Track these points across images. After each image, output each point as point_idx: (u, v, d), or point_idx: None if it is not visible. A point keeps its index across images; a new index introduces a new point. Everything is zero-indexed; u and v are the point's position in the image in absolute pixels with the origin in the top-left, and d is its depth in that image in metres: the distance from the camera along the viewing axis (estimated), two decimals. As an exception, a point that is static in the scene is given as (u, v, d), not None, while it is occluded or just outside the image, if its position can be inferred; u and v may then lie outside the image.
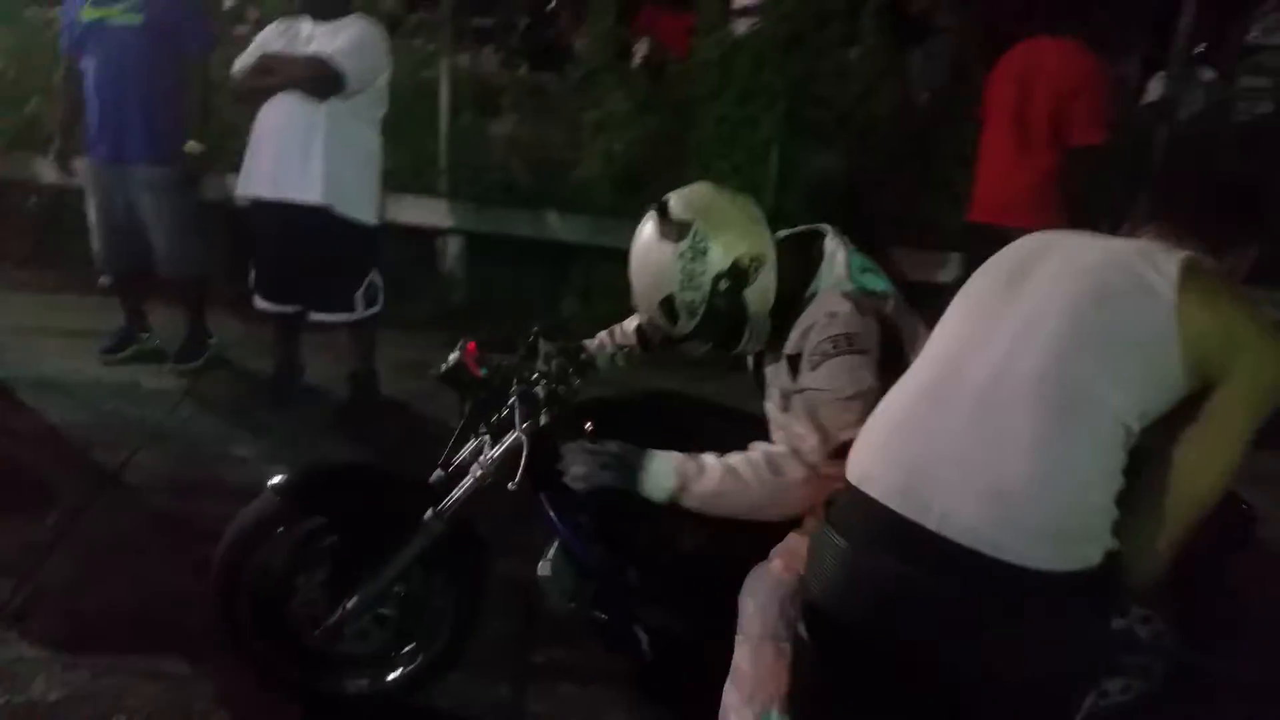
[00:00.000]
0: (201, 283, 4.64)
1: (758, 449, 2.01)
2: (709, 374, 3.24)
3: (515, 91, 6.32)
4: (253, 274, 4.24)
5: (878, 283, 2.13)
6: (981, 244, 2.11)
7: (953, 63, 6.15)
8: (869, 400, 1.91)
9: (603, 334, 2.63)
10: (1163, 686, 2.54)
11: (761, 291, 2.07)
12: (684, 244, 2.02)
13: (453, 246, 6.16)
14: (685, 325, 2.09)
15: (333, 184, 3.97)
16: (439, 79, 5.92)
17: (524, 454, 2.14)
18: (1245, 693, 2.67)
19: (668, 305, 2.06)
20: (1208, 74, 6.25)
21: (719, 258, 2.02)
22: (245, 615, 2.41)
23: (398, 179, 5.39)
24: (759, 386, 2.31)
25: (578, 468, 2.06)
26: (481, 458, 2.29)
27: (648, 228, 2.09)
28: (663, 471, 2.01)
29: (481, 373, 2.37)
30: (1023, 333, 1.65)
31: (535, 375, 2.31)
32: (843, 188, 5.64)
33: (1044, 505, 1.55)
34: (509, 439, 2.24)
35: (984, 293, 1.79)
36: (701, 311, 2.05)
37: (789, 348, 2.10)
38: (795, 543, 2.13)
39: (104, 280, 4.70)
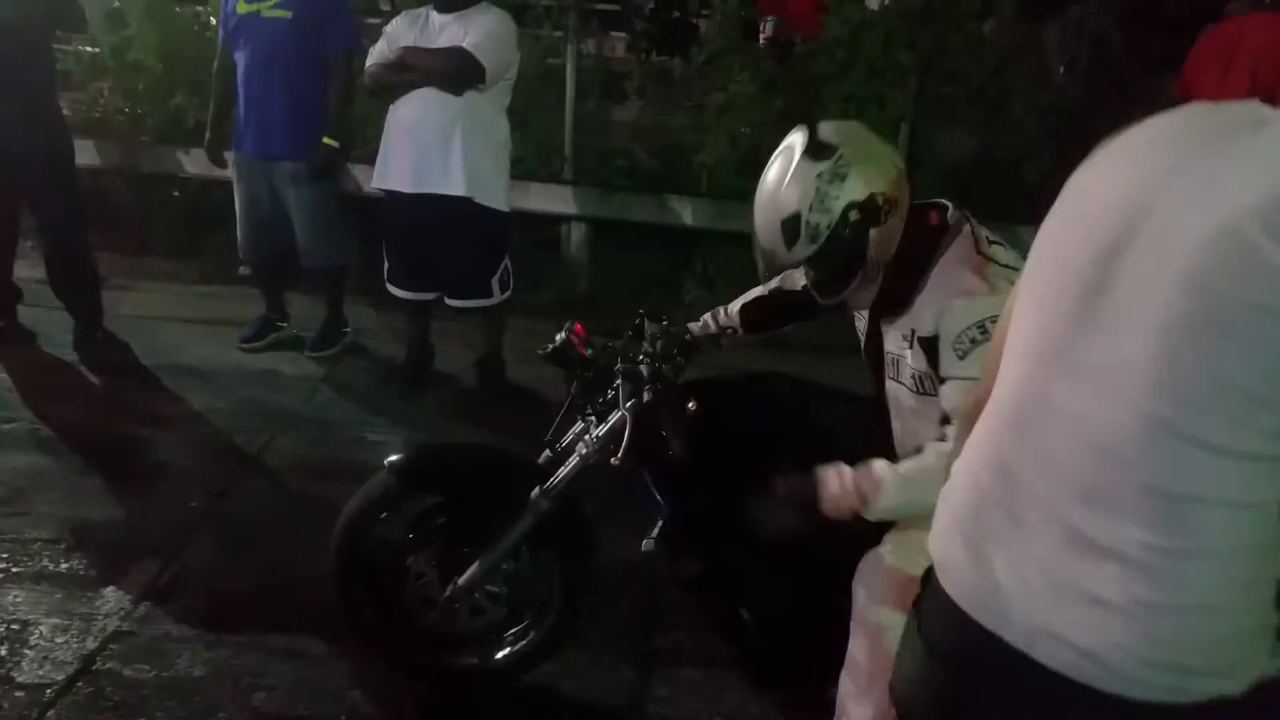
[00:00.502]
0: (340, 273, 4.80)
1: (929, 451, 1.89)
2: (812, 358, 3.17)
3: (640, 76, 6.31)
4: (387, 264, 4.37)
5: (1007, 256, 2.02)
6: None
7: (1093, 36, 5.86)
8: None
9: (706, 316, 2.59)
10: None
11: (888, 236, 1.99)
12: (825, 164, 1.95)
13: (576, 233, 6.20)
14: (803, 249, 1.98)
15: (473, 176, 4.05)
16: (564, 66, 5.98)
17: (627, 432, 2.13)
18: None
19: (791, 225, 1.96)
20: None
21: (857, 187, 1.95)
22: (362, 593, 2.49)
23: (523, 166, 5.48)
24: (870, 359, 2.21)
25: (765, 527, 2.00)
26: (586, 437, 2.30)
27: (790, 145, 2.02)
28: (838, 493, 1.91)
29: (587, 353, 2.37)
30: (1104, 386, 1.13)
31: (640, 355, 2.30)
32: (976, 166, 5.44)
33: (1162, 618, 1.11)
34: (613, 417, 2.24)
35: (1053, 308, 1.20)
36: (824, 237, 1.95)
37: (924, 328, 2.00)
38: (907, 528, 2.06)
39: (244, 270, 4.94)
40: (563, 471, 2.31)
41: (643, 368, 2.23)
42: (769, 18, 6.22)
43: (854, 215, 1.95)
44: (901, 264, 2.03)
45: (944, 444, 1.86)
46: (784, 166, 2.00)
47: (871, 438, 2.19)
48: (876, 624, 2.00)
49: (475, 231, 4.15)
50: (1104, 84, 5.54)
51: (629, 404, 2.17)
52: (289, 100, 4.31)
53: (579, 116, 6.06)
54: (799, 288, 2.47)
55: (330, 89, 4.35)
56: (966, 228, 2.04)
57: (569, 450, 2.37)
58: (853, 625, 2.06)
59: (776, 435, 2.21)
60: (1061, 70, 5.82)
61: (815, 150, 1.97)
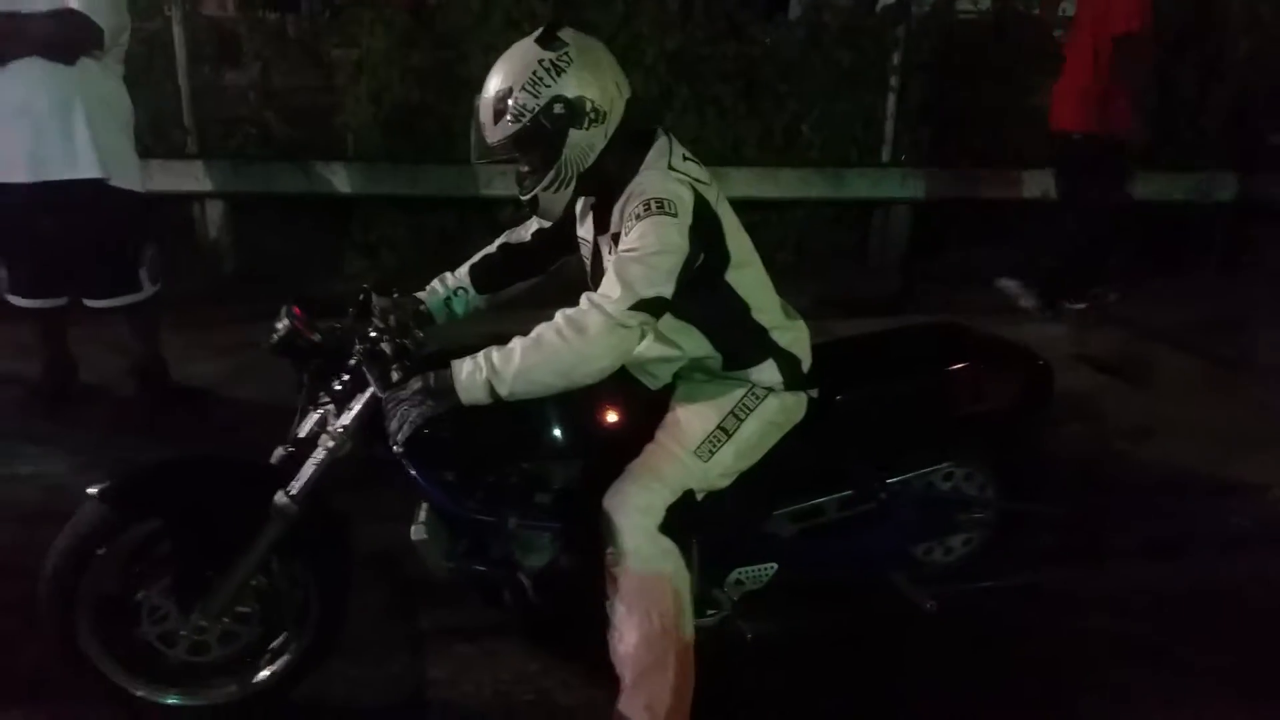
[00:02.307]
0: None
1: (558, 314, 2.01)
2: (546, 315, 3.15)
3: (256, 36, 5.81)
4: (5, 271, 3.76)
5: (700, 172, 2.15)
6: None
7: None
8: (676, 260, 1.98)
9: (434, 281, 2.49)
10: (994, 534, 2.78)
11: (585, 143, 2.05)
12: (549, 54, 2.00)
13: (213, 212, 5.70)
14: (505, 128, 2.03)
15: (105, 155, 3.57)
16: (169, 29, 5.38)
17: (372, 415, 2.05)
18: (1060, 528, 2.97)
19: (501, 101, 2.01)
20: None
21: (569, 85, 2.00)
22: (89, 641, 2.15)
23: (140, 143, 4.88)
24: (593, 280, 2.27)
25: (396, 423, 1.99)
26: (330, 427, 2.13)
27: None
28: (468, 371, 1.98)
29: (315, 338, 2.18)
30: None
31: (374, 333, 2.15)
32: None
33: None
34: (358, 403, 2.10)
35: None
36: (525, 121, 2.01)
37: (613, 227, 2.11)
38: (650, 456, 2.20)
39: None
40: (308, 469, 2.12)
41: (385, 345, 2.09)
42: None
43: (559, 108, 2.01)
44: (608, 177, 2.12)
45: (576, 307, 2.00)
46: (514, 47, 2.07)
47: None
48: (629, 547, 2.11)
49: (113, 219, 3.67)
50: (722, 26, 5.90)
51: (378, 385, 2.03)
52: None
53: (196, 83, 5.52)
54: (527, 239, 2.46)
55: None
56: (663, 143, 2.15)
57: (309, 445, 2.18)
58: (607, 553, 2.14)
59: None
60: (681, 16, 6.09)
61: (545, 40, 2.03)
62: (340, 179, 5.62)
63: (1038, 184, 6.10)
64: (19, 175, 3.51)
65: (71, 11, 3.39)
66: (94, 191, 3.58)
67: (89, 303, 3.81)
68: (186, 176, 5.50)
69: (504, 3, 5.46)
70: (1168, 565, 3.15)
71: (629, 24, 5.69)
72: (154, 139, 5.33)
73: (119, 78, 3.74)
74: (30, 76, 3.44)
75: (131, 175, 3.76)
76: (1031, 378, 2.70)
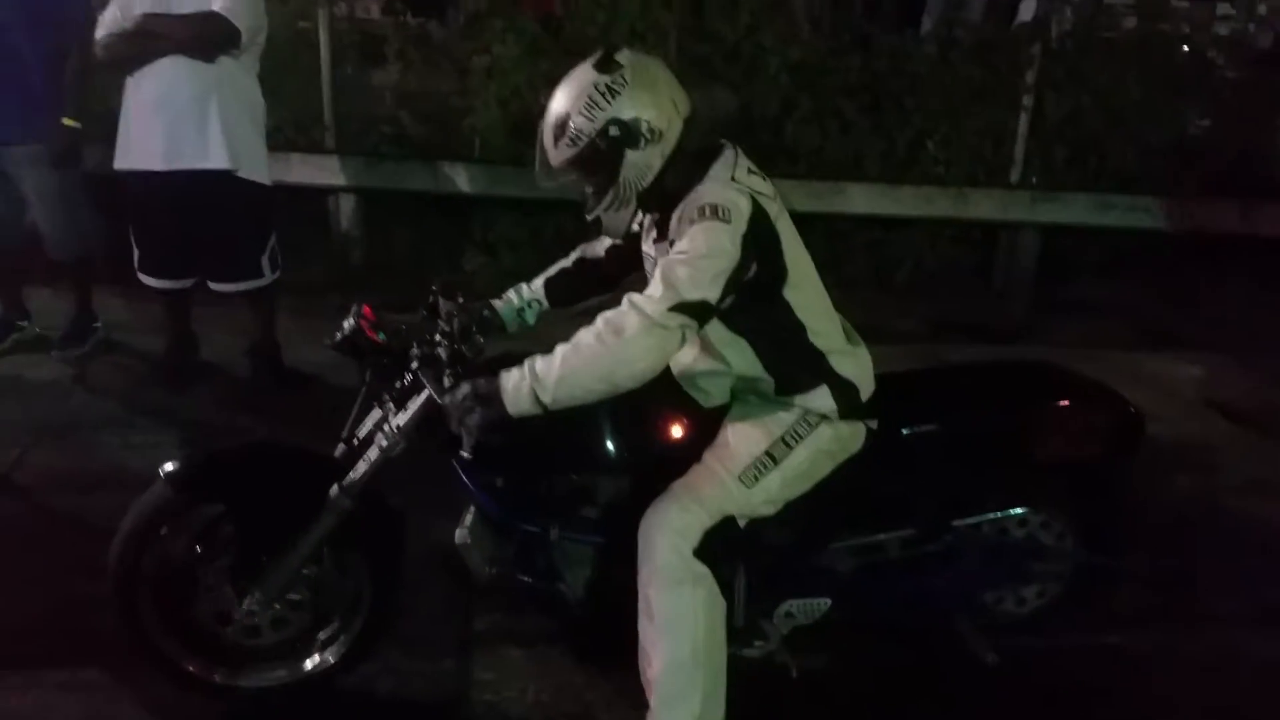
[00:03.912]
0: (87, 262, 4.37)
1: (599, 317, 2.00)
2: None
3: (399, 39, 6.04)
4: (137, 251, 4.00)
5: (764, 185, 2.13)
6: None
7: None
8: (724, 265, 1.95)
9: (510, 292, 2.53)
10: (1070, 586, 2.64)
11: (644, 163, 2.05)
12: (605, 77, 2.02)
13: (345, 205, 5.93)
14: (563, 151, 2.05)
15: (234, 147, 3.79)
16: (317, 29, 5.64)
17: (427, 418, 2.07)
18: (1150, 586, 2.86)
19: (560, 124, 2.04)
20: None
21: (624, 107, 2.01)
22: (149, 615, 2.27)
23: (280, 137, 5.16)
24: None
25: (456, 430, 2.01)
26: (386, 427, 2.19)
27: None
28: (514, 382, 1.98)
29: (379, 338, 2.25)
30: None
31: (436, 336, 2.20)
32: (738, 123, 5.57)
33: None
34: (413, 405, 2.15)
35: None
36: (582, 144, 2.03)
37: (670, 234, 2.10)
38: (694, 476, 2.17)
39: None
40: (363, 466, 2.19)
41: (440, 350, 2.13)
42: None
43: (614, 131, 2.01)
44: (669, 194, 2.11)
45: (614, 309, 1.98)
46: (574, 71, 2.09)
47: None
48: (665, 566, 2.08)
49: (239, 208, 3.88)
50: (849, 39, 5.79)
51: (432, 389, 2.08)
52: (18, 80, 3.90)
53: (338, 82, 5.77)
54: (600, 255, 2.47)
55: (67, 67, 3.94)
56: (729, 155, 2.14)
57: (368, 442, 2.25)
58: (644, 570, 2.12)
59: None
60: (808, 27, 6.02)
61: (603, 64, 2.04)
62: (465, 179, 5.78)
63: (1176, 214, 5.77)
64: (155, 163, 3.75)
65: (213, 14, 3.62)
66: (223, 181, 3.79)
67: (213, 286, 4.03)
68: (323, 170, 5.73)
69: (629, 13, 5.50)
70: (1269, 633, 2.90)
71: (753, 34, 5.66)
72: (295, 133, 5.61)
73: (254, 75, 3.94)
74: (173, 72, 3.68)
75: (259, 168, 3.95)
76: (1119, 425, 2.55)
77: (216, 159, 3.77)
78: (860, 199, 5.56)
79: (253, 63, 3.92)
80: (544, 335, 2.45)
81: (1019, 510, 2.53)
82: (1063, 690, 2.59)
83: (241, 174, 3.84)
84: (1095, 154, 5.83)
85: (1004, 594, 2.62)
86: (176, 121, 3.72)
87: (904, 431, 2.36)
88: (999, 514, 2.51)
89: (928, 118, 5.79)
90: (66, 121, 3.96)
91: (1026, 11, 6.30)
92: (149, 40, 3.65)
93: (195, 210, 3.82)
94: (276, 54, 4.08)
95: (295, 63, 5.60)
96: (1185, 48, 5.91)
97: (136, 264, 4.02)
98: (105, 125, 4.01)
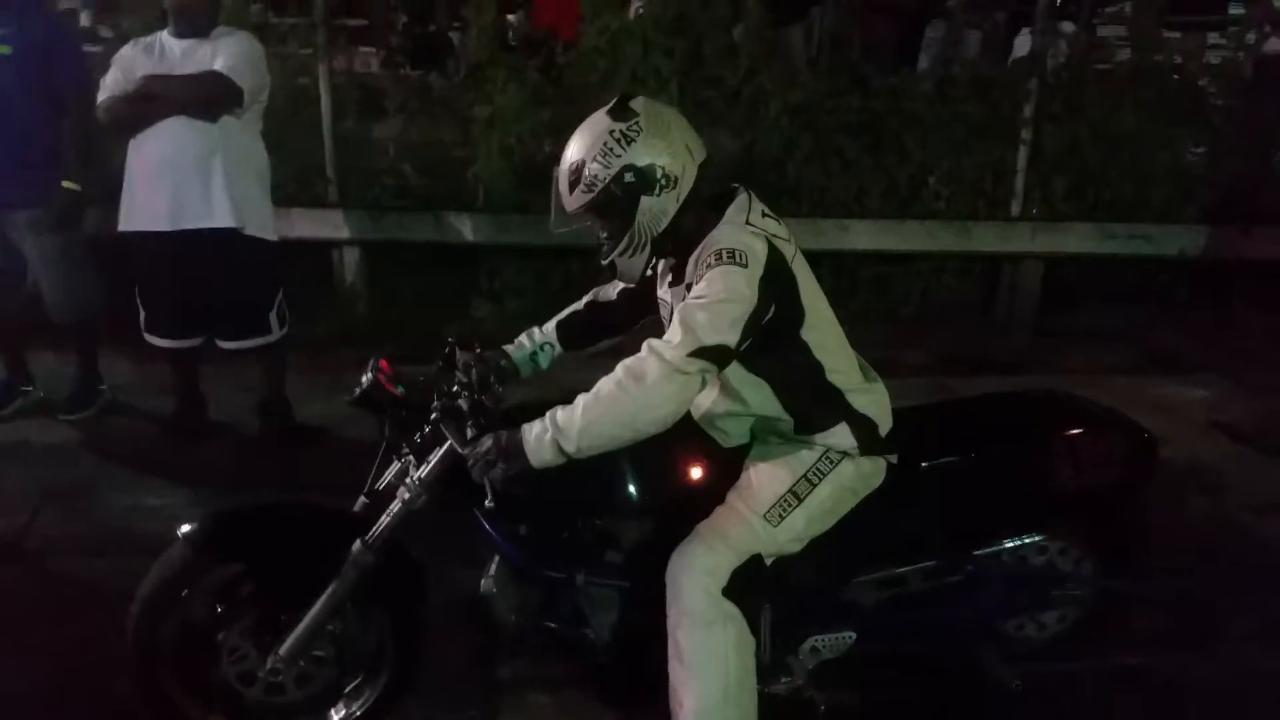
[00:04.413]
0: (91, 325, 4.37)
1: (619, 365, 2.01)
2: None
3: (399, 92, 6.12)
4: (144, 312, 4.01)
5: (779, 229, 2.15)
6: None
7: (832, 34, 6.22)
8: (742, 310, 1.97)
9: (522, 336, 2.55)
10: (1089, 611, 2.65)
11: (658, 208, 2.07)
12: (620, 125, 2.05)
13: (350, 258, 5.95)
14: (579, 198, 2.08)
15: (239, 205, 3.81)
16: (318, 84, 5.71)
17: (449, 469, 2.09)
18: (1169, 608, 2.86)
19: (575, 171, 2.07)
20: (1068, 27, 6.40)
21: (639, 154, 2.04)
22: (170, 680, 2.26)
23: (283, 192, 5.19)
24: None
25: (478, 483, 2.02)
26: (408, 480, 2.19)
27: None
28: (536, 434, 2.00)
29: (398, 391, 2.25)
30: None
31: (455, 388, 2.21)
32: (740, 165, 5.63)
33: None
34: (435, 457, 2.15)
35: None
36: (597, 190, 2.05)
37: (687, 278, 2.12)
38: (719, 517, 2.18)
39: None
40: (385, 519, 2.19)
41: (462, 402, 2.14)
42: (518, 14, 6.21)
43: (629, 177, 2.04)
44: (684, 238, 2.13)
45: (635, 356, 1.99)
46: (589, 119, 2.12)
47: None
48: (693, 608, 2.08)
49: (246, 265, 3.90)
50: (847, 79, 5.87)
51: (454, 441, 2.08)
52: (19, 143, 3.92)
53: (339, 136, 5.83)
54: (613, 298, 2.49)
55: (65, 128, 3.97)
56: (743, 199, 2.16)
57: (388, 495, 2.25)
58: (672, 612, 2.11)
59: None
60: (807, 70, 6.11)
61: (618, 111, 2.07)
62: (470, 229, 5.81)
63: (1174, 240, 5.83)
64: (160, 224, 3.77)
65: (216, 74, 3.66)
66: (228, 240, 3.81)
67: (221, 344, 4.04)
68: (326, 224, 5.77)
69: (629, 60, 5.57)
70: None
71: (753, 78, 5.73)
72: (298, 188, 5.65)
73: (257, 133, 3.98)
74: (176, 133, 3.71)
75: (265, 225, 3.98)
76: (1134, 451, 2.56)
77: (221, 218, 3.78)
78: (864, 235, 5.60)
79: (256, 120, 3.96)
80: (559, 380, 2.48)
81: (1037, 538, 2.54)
82: (1087, 714, 2.59)
83: (247, 231, 3.86)
84: (1094, 184, 5.88)
85: (1025, 621, 2.62)
86: (181, 182, 3.74)
87: (923, 465, 2.37)
88: (1018, 542, 2.51)
89: (928, 154, 5.85)
90: (66, 184, 3.96)
91: (1022, 47, 6.40)
92: (151, 102, 3.69)
93: (202, 269, 3.83)
94: (277, 110, 4.11)
95: (296, 118, 5.64)
96: (1176, 77, 5.97)
97: (143, 325, 4.03)
98: (106, 188, 4.04)
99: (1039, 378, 4.66)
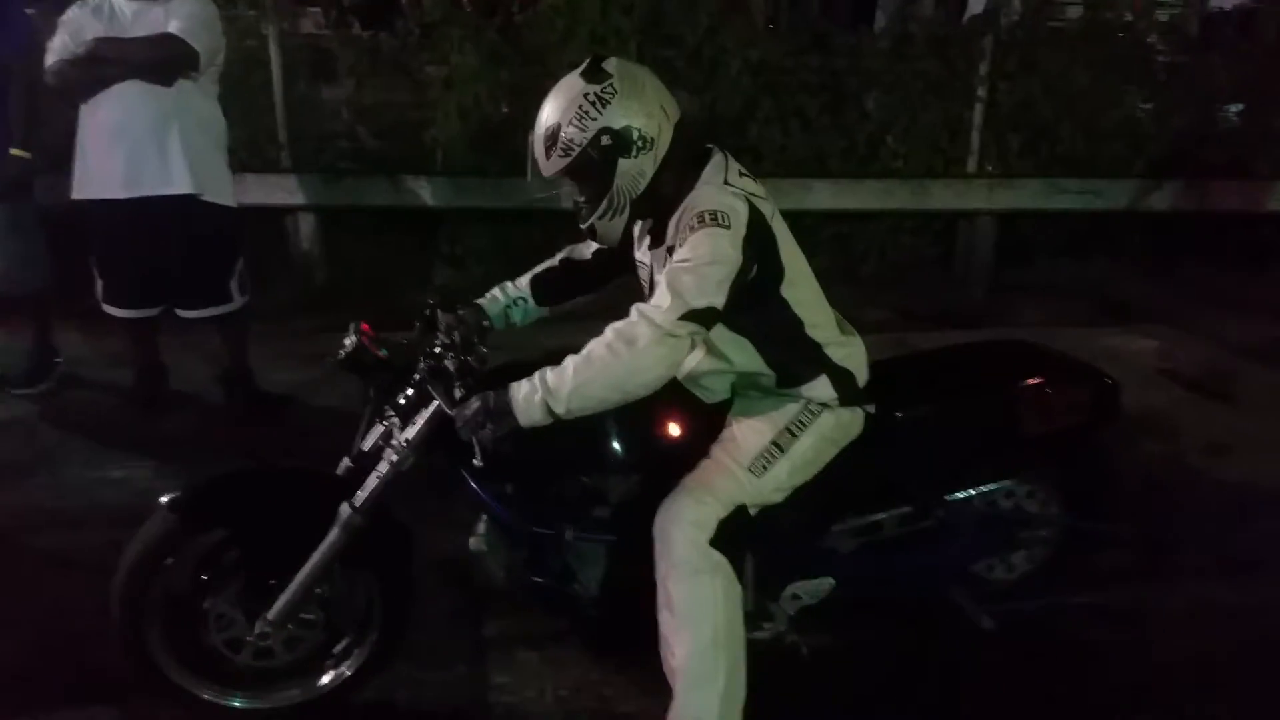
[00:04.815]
0: (45, 297, 4.27)
1: (609, 329, 2.03)
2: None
3: (351, 53, 6.00)
4: (101, 281, 3.93)
5: (756, 187, 2.17)
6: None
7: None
8: (727, 271, 1.99)
9: (495, 290, 2.54)
10: (1056, 551, 2.74)
11: (635, 170, 2.08)
12: (594, 87, 2.03)
13: (305, 225, 5.88)
14: (555, 162, 2.08)
15: (198, 171, 3.74)
16: (268, 47, 5.60)
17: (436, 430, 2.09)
18: (1129, 546, 2.95)
19: (551, 135, 2.06)
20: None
21: (615, 116, 2.03)
22: (159, 647, 2.25)
23: (235, 157, 5.07)
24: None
25: (467, 442, 2.03)
26: (394, 441, 2.18)
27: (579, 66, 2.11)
28: (525, 394, 2.00)
29: (382, 353, 2.24)
30: None
31: (438, 349, 2.21)
32: (703, 124, 5.62)
33: None
34: (422, 418, 2.15)
35: None
36: (574, 154, 2.05)
37: (668, 241, 2.13)
38: (704, 470, 2.22)
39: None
40: (373, 482, 2.19)
41: (448, 363, 2.13)
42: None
43: (606, 140, 2.04)
44: (663, 199, 2.14)
45: (625, 319, 2.00)
46: (562, 82, 2.10)
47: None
48: (685, 559, 2.11)
49: (205, 233, 3.83)
50: (806, 38, 5.88)
51: (443, 402, 2.08)
52: None
53: (291, 99, 5.72)
54: (587, 257, 2.49)
55: (11, 95, 3.83)
56: (719, 159, 2.17)
57: (371, 458, 2.25)
58: (662, 565, 2.15)
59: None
60: (766, 27, 6.10)
61: (591, 73, 2.06)
62: (428, 192, 5.76)
63: (1123, 195, 5.95)
64: (116, 191, 3.68)
65: (170, 36, 3.56)
66: (187, 207, 3.74)
67: (181, 313, 3.97)
68: (279, 190, 5.68)
69: (588, 20, 5.52)
70: (1240, 586, 3.04)
71: (713, 37, 5.71)
72: (249, 153, 5.54)
73: (214, 97, 3.90)
74: (130, 97, 3.62)
75: (224, 191, 3.90)
76: (1097, 396, 2.63)
77: (180, 184, 3.71)
78: (825, 195, 5.65)
79: (212, 84, 3.87)
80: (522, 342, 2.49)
81: (1006, 482, 2.61)
82: (1056, 649, 2.69)
83: (206, 197, 3.79)
84: (1047, 141, 5.97)
85: (995, 562, 2.71)
86: (136, 148, 3.66)
87: (899, 414, 2.42)
88: (988, 487, 2.58)
89: (886, 112, 5.91)
90: (14, 152, 3.85)
91: (976, 5, 6.46)
92: (103, 66, 3.59)
93: (160, 237, 3.76)
94: (225, 74, 4.02)
95: (245, 81, 5.52)
96: (1124, 35, 6.07)
97: (100, 295, 3.95)
98: (55, 156, 3.93)
99: (997, 331, 4.74)
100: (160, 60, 3.59)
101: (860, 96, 5.95)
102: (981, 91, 5.81)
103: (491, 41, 5.60)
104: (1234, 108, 6.29)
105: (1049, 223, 6.16)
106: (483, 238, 5.86)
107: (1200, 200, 5.99)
